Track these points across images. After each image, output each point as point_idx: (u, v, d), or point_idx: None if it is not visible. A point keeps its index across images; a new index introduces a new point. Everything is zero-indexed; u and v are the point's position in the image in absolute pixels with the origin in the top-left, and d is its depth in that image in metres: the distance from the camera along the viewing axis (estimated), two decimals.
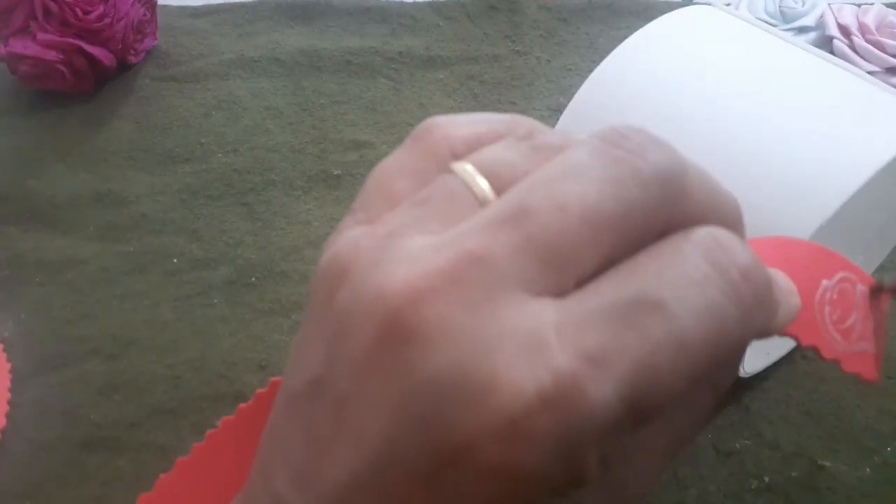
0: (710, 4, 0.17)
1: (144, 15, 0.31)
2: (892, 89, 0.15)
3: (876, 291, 0.11)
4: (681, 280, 0.07)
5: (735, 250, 0.08)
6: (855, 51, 0.31)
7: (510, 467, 0.07)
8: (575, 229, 0.07)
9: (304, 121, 0.29)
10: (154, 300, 0.24)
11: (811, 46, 0.16)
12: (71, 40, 0.29)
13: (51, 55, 0.29)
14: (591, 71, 0.17)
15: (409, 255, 0.08)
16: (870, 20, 0.32)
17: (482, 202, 0.08)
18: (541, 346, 0.07)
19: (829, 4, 0.33)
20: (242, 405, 0.13)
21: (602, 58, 0.17)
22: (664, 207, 0.08)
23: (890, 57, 0.30)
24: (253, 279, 0.24)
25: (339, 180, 0.27)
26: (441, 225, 0.08)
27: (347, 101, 0.30)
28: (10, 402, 0.21)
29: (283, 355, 0.22)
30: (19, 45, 0.29)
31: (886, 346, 0.12)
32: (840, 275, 0.11)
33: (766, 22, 0.33)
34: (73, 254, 0.25)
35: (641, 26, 0.31)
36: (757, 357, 0.20)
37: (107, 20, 0.29)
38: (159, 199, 0.27)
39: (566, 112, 0.16)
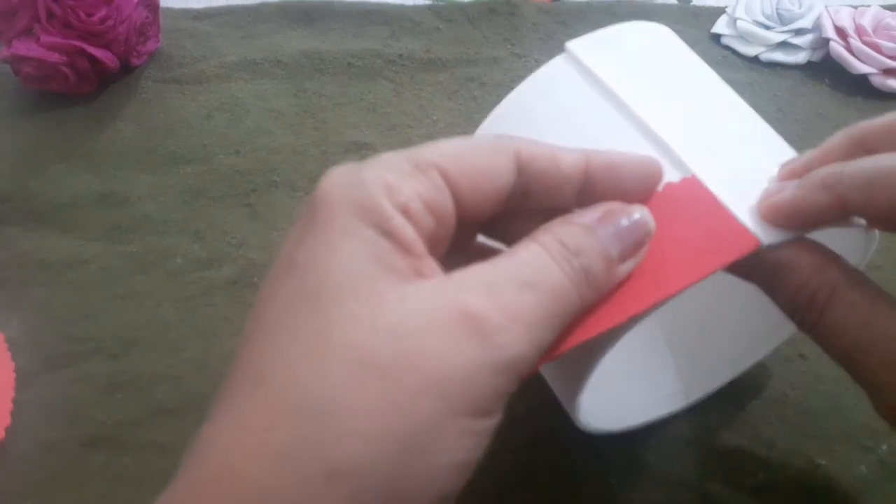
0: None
1: (147, 17, 0.32)
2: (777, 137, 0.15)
3: None
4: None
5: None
6: (851, 52, 0.31)
7: None
8: None
9: (305, 122, 0.29)
10: (156, 300, 0.24)
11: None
12: (74, 42, 0.29)
13: (54, 57, 0.29)
14: None
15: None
16: (866, 22, 0.32)
17: None
18: None
19: (825, 6, 0.33)
20: None
21: None
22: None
23: (886, 59, 0.31)
24: (255, 279, 0.24)
25: None
26: None
27: (348, 103, 0.30)
28: (14, 402, 0.21)
29: None
30: (22, 47, 0.29)
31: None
32: None
33: (762, 24, 0.33)
34: (76, 254, 0.25)
35: None
36: (751, 349, 0.20)
37: (109, 22, 0.30)
38: (162, 200, 0.27)
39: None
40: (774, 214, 0.12)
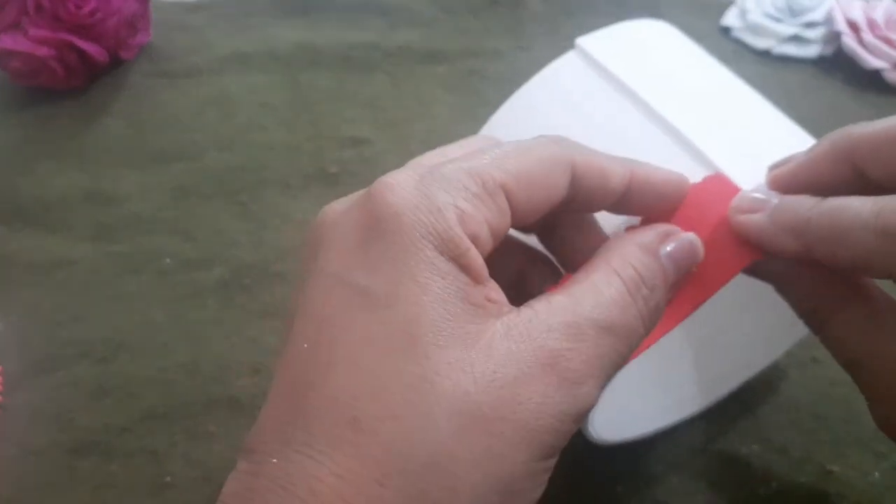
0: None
1: (137, 9, 0.31)
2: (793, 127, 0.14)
3: None
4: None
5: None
6: (863, 46, 0.30)
7: None
8: None
9: (299, 117, 0.29)
10: (146, 302, 0.23)
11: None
12: (63, 36, 0.28)
13: (42, 51, 0.28)
14: None
15: None
16: (878, 16, 0.31)
17: None
18: None
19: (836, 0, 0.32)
20: None
21: None
22: None
23: None
24: (247, 280, 0.24)
25: (336, 178, 0.27)
26: None
27: (345, 97, 0.29)
28: (1, 406, 0.21)
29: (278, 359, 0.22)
30: (10, 41, 0.28)
31: None
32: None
33: (773, 17, 0.33)
34: (64, 254, 0.25)
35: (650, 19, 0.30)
36: (761, 353, 0.19)
37: (99, 15, 0.29)
38: (151, 198, 0.26)
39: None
40: (741, 232, 0.12)
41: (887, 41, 0.30)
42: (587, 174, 0.12)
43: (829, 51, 0.32)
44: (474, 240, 0.11)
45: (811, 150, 0.13)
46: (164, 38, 0.32)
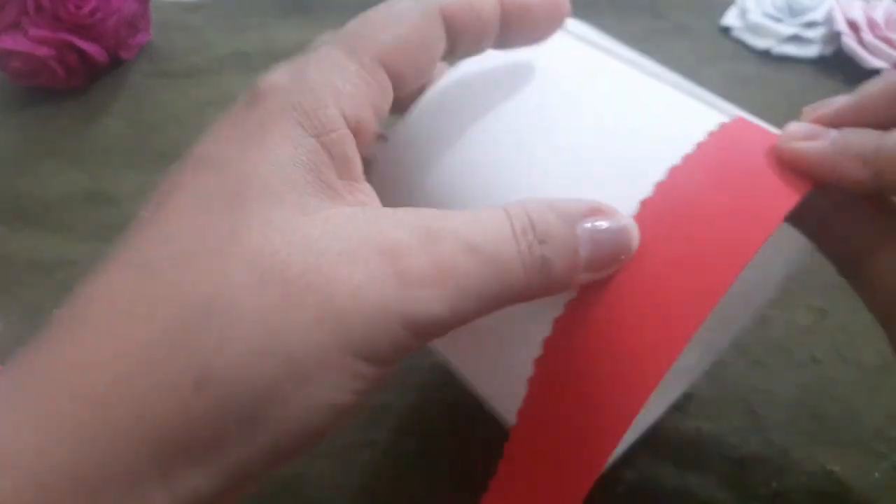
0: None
1: (137, 9, 0.31)
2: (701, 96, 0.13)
3: None
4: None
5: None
6: (863, 46, 0.30)
7: None
8: None
9: None
10: None
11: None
12: (63, 36, 0.28)
13: (42, 51, 0.28)
14: None
15: None
16: (878, 16, 0.31)
17: None
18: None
19: None
20: None
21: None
22: None
23: None
24: None
25: None
26: None
27: None
28: None
29: None
30: (10, 41, 0.28)
31: None
32: None
33: (773, 17, 0.33)
34: (64, 254, 0.24)
35: (646, 20, 0.31)
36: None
37: (99, 15, 0.29)
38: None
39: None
40: (796, 161, 0.11)
41: (887, 41, 0.30)
42: (458, 15, 0.11)
43: (829, 51, 0.32)
44: (357, 124, 0.10)
45: (861, 90, 0.12)
46: (164, 38, 0.32)
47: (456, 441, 0.18)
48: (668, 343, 0.10)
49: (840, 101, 0.12)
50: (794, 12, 0.32)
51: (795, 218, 0.12)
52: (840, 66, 0.31)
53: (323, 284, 0.08)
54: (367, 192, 0.10)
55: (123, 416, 0.08)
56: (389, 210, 0.10)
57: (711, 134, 0.11)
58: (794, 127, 0.12)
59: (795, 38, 0.32)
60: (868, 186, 0.11)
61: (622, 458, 0.18)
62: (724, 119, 0.12)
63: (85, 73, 0.30)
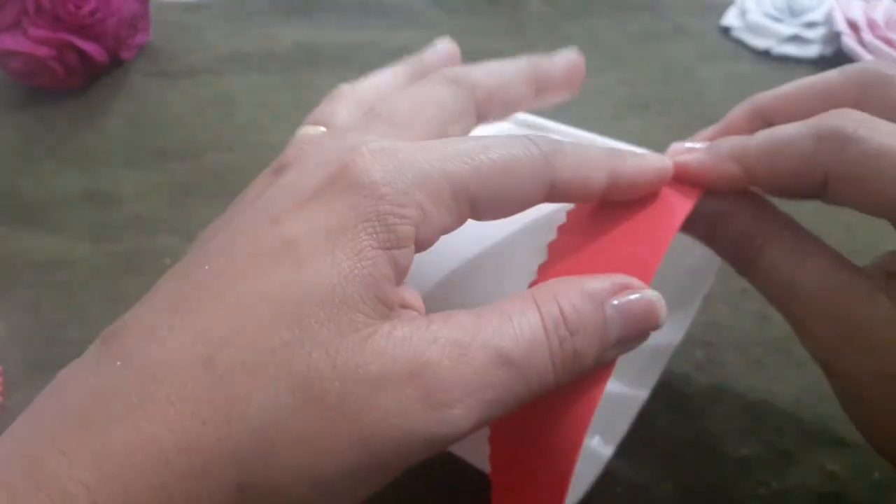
0: None
1: (137, 9, 0.31)
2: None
3: None
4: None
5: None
6: (863, 46, 0.30)
7: None
8: None
9: (300, 117, 0.29)
10: None
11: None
12: (63, 36, 0.28)
13: (42, 51, 0.28)
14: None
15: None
16: (878, 16, 0.31)
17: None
18: None
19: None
20: None
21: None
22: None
23: None
24: None
25: None
26: None
27: None
28: (1, 406, 0.20)
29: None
30: (10, 41, 0.28)
31: None
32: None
33: (773, 17, 0.33)
34: (64, 254, 0.24)
35: (646, 20, 0.30)
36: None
37: (99, 15, 0.29)
38: (152, 198, 0.26)
39: None
40: (682, 171, 0.13)
41: (887, 41, 0.30)
42: (568, 187, 0.11)
43: (829, 51, 0.32)
44: (420, 242, 0.10)
45: (729, 114, 0.15)
46: (164, 38, 0.32)
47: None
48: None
49: (710, 128, 0.15)
50: (794, 12, 0.32)
51: (689, 229, 0.14)
52: (839, 66, 0.31)
53: (356, 412, 0.09)
54: (413, 294, 0.11)
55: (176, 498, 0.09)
56: (424, 323, 0.10)
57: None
58: (674, 146, 0.14)
59: (795, 38, 0.32)
60: (743, 182, 0.13)
61: (622, 459, 0.18)
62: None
63: (85, 73, 0.30)
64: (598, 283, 0.11)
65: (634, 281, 0.11)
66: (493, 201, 0.11)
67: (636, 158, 0.12)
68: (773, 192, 0.13)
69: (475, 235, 0.13)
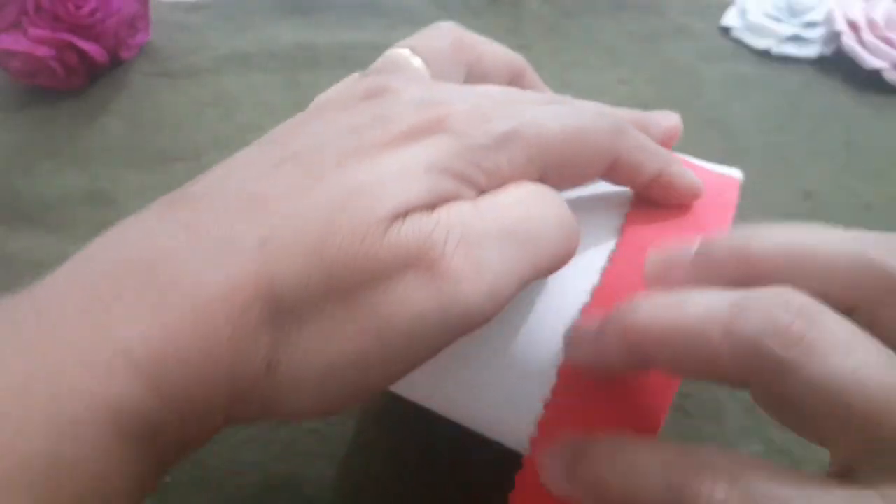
0: None
1: (137, 9, 0.31)
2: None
3: None
4: None
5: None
6: (863, 46, 0.30)
7: None
8: None
9: None
10: None
11: None
12: (63, 36, 0.28)
13: (42, 51, 0.28)
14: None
15: None
16: (878, 15, 0.31)
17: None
18: None
19: None
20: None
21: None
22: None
23: None
24: None
25: None
26: None
27: None
28: None
29: None
30: (10, 41, 0.28)
31: None
32: None
33: (773, 17, 0.33)
34: (64, 254, 0.24)
35: (646, 20, 0.30)
36: None
37: (99, 15, 0.29)
38: (151, 198, 0.26)
39: None
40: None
41: (887, 41, 0.30)
42: (624, 167, 0.12)
43: (828, 51, 0.32)
44: (481, 185, 0.11)
45: (711, 250, 0.11)
46: (164, 38, 0.32)
47: (456, 442, 0.18)
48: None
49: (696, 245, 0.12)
50: (794, 12, 0.32)
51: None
52: (840, 66, 0.31)
53: (371, 302, 0.10)
54: None
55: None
56: (435, 215, 0.10)
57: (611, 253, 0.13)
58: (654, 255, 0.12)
59: (795, 38, 0.32)
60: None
61: None
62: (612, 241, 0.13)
63: (85, 73, 0.30)
64: None
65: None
66: (563, 168, 0.11)
67: (682, 167, 0.13)
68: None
69: None
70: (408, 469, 0.18)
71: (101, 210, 0.26)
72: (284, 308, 0.09)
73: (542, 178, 0.11)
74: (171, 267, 0.09)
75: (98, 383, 0.08)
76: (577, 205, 0.13)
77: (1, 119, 0.29)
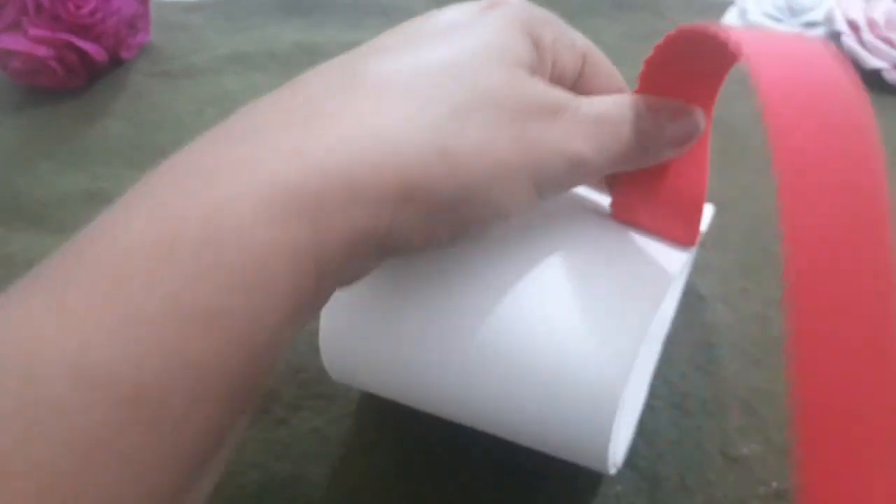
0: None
1: (137, 9, 0.31)
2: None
3: None
4: None
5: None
6: (863, 46, 0.30)
7: None
8: None
9: None
10: None
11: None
12: (62, 36, 0.28)
13: (42, 51, 0.28)
14: None
15: None
16: (878, 15, 0.31)
17: None
18: None
19: None
20: None
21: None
22: None
23: None
24: None
25: None
26: None
27: None
28: None
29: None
30: (10, 41, 0.28)
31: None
32: None
33: (773, 17, 0.33)
34: None
35: (646, 20, 0.30)
36: None
37: (99, 15, 0.29)
38: None
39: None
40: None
41: (887, 41, 0.30)
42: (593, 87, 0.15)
43: None
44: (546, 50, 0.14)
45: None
46: (165, 38, 0.32)
47: (456, 442, 0.18)
48: None
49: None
50: (794, 12, 0.32)
51: None
52: None
53: (522, 126, 0.13)
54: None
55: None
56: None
57: None
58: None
59: None
60: None
61: (622, 459, 0.18)
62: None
63: (85, 73, 0.30)
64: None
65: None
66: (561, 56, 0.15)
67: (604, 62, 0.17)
68: None
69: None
70: (408, 469, 0.18)
71: (102, 210, 0.26)
72: (428, 142, 0.11)
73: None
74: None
75: (295, 170, 0.10)
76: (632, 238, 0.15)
77: (1, 119, 0.29)
